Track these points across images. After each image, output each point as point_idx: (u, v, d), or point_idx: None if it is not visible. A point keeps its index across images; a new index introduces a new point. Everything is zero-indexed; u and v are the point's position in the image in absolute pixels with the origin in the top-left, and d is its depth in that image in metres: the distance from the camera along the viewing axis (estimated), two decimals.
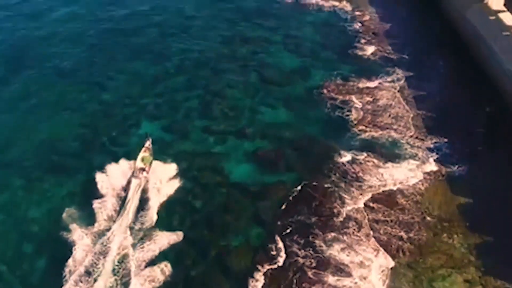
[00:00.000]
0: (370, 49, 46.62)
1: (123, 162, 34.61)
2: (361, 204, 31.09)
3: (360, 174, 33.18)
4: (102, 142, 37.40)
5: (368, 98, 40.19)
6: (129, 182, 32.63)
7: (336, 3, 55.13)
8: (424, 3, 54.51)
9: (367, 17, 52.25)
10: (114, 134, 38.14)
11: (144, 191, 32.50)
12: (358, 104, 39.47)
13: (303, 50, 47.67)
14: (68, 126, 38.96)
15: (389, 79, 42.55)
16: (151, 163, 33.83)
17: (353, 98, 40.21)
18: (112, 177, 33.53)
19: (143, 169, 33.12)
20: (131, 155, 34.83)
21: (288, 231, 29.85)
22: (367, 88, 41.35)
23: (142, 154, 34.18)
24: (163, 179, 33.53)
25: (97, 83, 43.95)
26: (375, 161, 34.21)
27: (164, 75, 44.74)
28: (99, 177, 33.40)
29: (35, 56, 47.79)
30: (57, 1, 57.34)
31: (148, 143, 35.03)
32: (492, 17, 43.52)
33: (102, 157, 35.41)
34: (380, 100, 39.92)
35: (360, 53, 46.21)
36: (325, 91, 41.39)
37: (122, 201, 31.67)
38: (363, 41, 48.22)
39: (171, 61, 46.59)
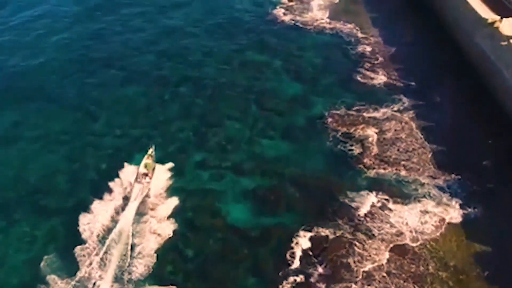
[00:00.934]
0: (375, 75, 44.33)
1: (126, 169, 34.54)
2: (384, 260, 28.21)
3: (368, 218, 30.70)
4: (90, 178, 34.93)
5: (375, 130, 37.79)
6: (131, 188, 32.87)
7: (338, 25, 52.92)
8: (431, 25, 52.22)
9: (371, 40, 49.94)
10: (104, 167, 35.73)
11: (134, 236, 29.98)
12: (364, 137, 37.07)
13: (304, 75, 45.34)
14: (55, 161, 36.42)
15: (396, 108, 40.20)
16: (153, 169, 34.45)
17: (359, 129, 37.85)
18: (97, 218, 31.04)
19: (145, 174, 33.57)
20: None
21: (290, 283, 27.28)
22: (374, 118, 38.96)
23: (145, 160, 34.78)
24: (162, 218, 31.27)
25: (88, 113, 41.37)
26: (384, 202, 31.79)
27: (158, 103, 42.26)
28: (83, 219, 30.92)
29: (24, 86, 44.82)
30: (49, 27, 54.29)
31: (151, 151, 35.47)
32: (504, 43, 41.26)
33: (89, 194, 33.01)
34: (388, 133, 37.50)
35: (364, 79, 43.89)
36: (328, 121, 39.04)
37: (107, 247, 29.13)
38: (367, 65, 45.97)
39: (167, 87, 44.17)
